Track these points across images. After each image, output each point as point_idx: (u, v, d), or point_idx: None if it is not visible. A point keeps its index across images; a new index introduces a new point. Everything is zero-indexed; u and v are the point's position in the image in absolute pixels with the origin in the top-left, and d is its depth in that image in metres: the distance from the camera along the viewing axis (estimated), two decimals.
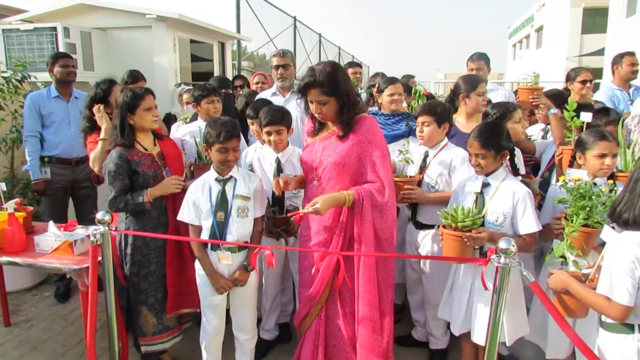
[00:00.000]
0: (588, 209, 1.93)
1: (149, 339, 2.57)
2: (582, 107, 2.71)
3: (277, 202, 2.71)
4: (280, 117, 2.67)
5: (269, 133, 2.70)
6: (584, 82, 3.77)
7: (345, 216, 2.20)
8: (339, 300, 2.28)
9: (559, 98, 3.63)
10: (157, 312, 2.55)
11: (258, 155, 2.87)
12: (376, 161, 2.17)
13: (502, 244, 1.77)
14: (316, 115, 2.21)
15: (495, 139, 2.24)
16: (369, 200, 2.14)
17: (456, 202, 2.34)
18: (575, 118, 2.47)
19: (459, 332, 2.35)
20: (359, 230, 2.16)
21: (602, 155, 2.20)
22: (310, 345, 2.31)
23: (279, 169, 2.73)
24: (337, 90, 2.13)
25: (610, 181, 2.09)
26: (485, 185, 2.28)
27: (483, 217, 2.21)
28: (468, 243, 2.09)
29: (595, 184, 2.07)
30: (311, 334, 2.32)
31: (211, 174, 2.38)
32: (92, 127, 2.96)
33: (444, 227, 2.17)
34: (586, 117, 2.49)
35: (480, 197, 2.27)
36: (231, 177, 2.37)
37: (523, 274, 1.77)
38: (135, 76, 4.02)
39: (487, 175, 2.29)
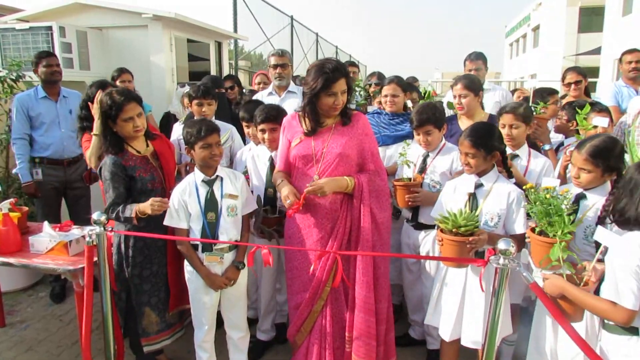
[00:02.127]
0: (541, 216, 1.88)
1: (152, 338, 2.56)
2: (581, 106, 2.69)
3: (269, 202, 2.69)
4: (275, 115, 2.66)
5: (263, 131, 2.69)
6: (568, 84, 3.76)
7: (346, 208, 2.28)
8: (343, 296, 2.29)
9: (544, 95, 3.63)
10: (160, 311, 2.55)
11: (252, 154, 2.85)
12: (374, 151, 2.37)
13: (501, 245, 1.76)
14: (336, 107, 2.23)
15: (485, 138, 2.22)
16: (367, 186, 2.26)
17: (446, 203, 2.33)
18: (586, 122, 2.43)
19: (450, 337, 2.32)
20: (358, 214, 2.25)
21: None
22: (316, 348, 2.31)
23: (273, 168, 2.71)
24: (350, 80, 2.28)
25: (566, 189, 2.02)
26: (478, 185, 2.27)
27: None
28: (470, 247, 2.06)
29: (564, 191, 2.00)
30: (317, 334, 2.31)
31: (197, 176, 2.36)
32: (86, 126, 2.94)
33: (442, 231, 2.13)
34: (601, 121, 2.41)
35: (472, 198, 2.26)
36: (217, 176, 2.36)
37: (523, 275, 1.76)
38: (120, 69, 4.02)
39: (479, 175, 2.28)
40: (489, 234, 2.12)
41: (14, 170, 3.62)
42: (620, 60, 4.18)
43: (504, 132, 2.55)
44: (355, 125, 2.31)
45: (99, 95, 2.58)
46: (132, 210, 2.28)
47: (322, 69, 2.18)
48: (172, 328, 2.63)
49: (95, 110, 2.74)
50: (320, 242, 2.28)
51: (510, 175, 2.36)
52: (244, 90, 4.71)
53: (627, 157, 2.35)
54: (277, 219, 2.64)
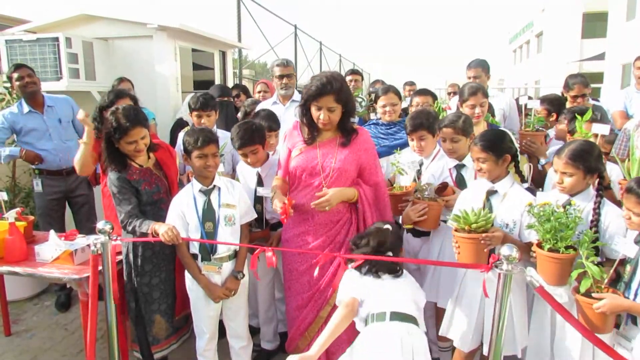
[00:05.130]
0: (552, 232, 1.87)
1: (162, 345, 2.58)
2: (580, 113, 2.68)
3: (257, 215, 2.67)
4: (251, 137, 2.60)
5: (244, 155, 2.65)
6: (575, 97, 3.68)
7: (346, 220, 2.35)
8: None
9: (555, 103, 3.61)
10: (168, 317, 2.58)
11: (240, 169, 2.86)
12: (372, 165, 2.40)
13: (504, 250, 1.75)
14: (322, 122, 2.25)
15: (495, 143, 2.22)
16: (369, 197, 2.34)
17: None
18: (584, 129, 2.41)
19: (469, 347, 2.27)
20: (356, 226, 2.33)
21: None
22: None
23: (260, 183, 2.73)
24: (345, 98, 2.25)
25: (573, 201, 2.04)
26: (492, 192, 2.26)
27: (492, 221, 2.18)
28: (484, 243, 2.03)
29: (573, 203, 2.00)
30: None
31: (194, 185, 2.37)
32: (98, 131, 2.99)
33: (456, 230, 2.13)
34: (601, 129, 2.41)
35: (487, 204, 2.24)
36: (215, 186, 2.37)
37: (528, 280, 1.76)
38: (120, 78, 4.09)
39: (493, 182, 2.26)
40: (505, 235, 2.10)
41: (3, 156, 3.46)
42: (633, 64, 4.14)
43: (445, 146, 2.58)
44: (356, 141, 2.33)
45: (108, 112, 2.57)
46: (149, 227, 2.29)
47: (312, 81, 2.23)
48: (179, 332, 2.67)
49: (82, 120, 2.76)
50: (319, 248, 2.30)
51: (523, 179, 2.35)
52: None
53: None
54: (261, 232, 2.66)
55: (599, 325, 1.77)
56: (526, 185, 2.35)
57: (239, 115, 4.06)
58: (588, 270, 1.77)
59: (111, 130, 2.35)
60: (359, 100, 4.39)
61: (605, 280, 1.79)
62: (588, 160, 2.03)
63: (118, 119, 2.34)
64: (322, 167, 2.29)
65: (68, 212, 3.84)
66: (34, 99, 3.55)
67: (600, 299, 1.75)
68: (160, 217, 2.42)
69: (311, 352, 1.82)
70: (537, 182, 2.85)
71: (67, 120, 3.68)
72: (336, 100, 2.22)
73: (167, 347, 2.61)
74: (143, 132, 2.41)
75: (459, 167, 2.60)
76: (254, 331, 2.93)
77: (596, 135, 2.39)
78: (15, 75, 3.46)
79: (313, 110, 2.26)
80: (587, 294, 1.79)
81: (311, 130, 2.34)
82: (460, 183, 2.58)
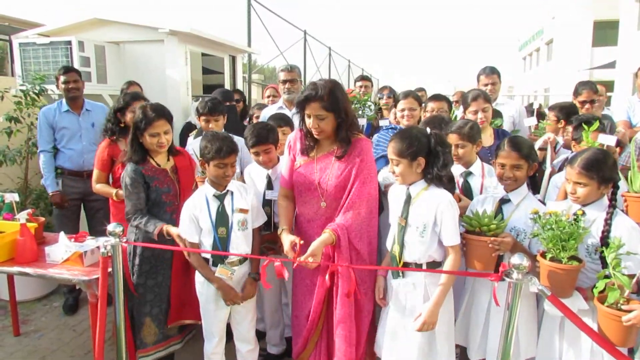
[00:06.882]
0: (555, 241, 1.84)
1: (148, 350, 2.57)
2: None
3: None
4: (266, 136, 2.62)
5: (257, 154, 2.65)
6: (583, 102, 3.67)
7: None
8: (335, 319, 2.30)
9: (564, 111, 3.59)
10: (159, 322, 2.57)
11: (249, 170, 2.85)
12: (372, 176, 2.27)
13: (514, 260, 1.74)
14: (313, 130, 2.23)
15: (530, 150, 2.25)
16: (346, 236, 2.20)
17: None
18: (592, 140, 2.38)
19: (476, 357, 2.26)
20: (338, 263, 2.22)
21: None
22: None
23: (270, 186, 2.72)
24: (336, 107, 2.18)
25: (579, 212, 1.99)
26: (506, 201, 2.24)
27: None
28: (492, 247, 2.01)
29: (579, 214, 1.95)
30: (319, 350, 2.35)
31: (207, 190, 2.37)
32: (110, 129, 3.05)
33: (466, 232, 2.11)
34: (607, 140, 2.35)
35: (499, 212, 2.22)
36: (228, 191, 2.38)
37: (539, 289, 1.74)
38: (129, 82, 4.18)
39: (507, 191, 2.25)
40: (515, 242, 2.08)
41: (42, 181, 3.71)
42: (636, 75, 4.15)
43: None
44: (353, 153, 2.25)
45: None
46: (155, 227, 2.36)
47: (304, 88, 2.21)
48: (168, 340, 2.63)
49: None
50: (326, 258, 2.27)
51: (536, 190, 2.35)
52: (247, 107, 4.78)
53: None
54: (270, 235, 2.65)
55: (624, 338, 1.72)
56: (538, 196, 2.33)
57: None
58: (616, 281, 1.72)
59: (137, 121, 2.44)
60: (368, 104, 4.41)
61: (626, 292, 1.74)
62: (602, 170, 1.96)
63: (145, 111, 2.44)
64: (319, 184, 2.27)
65: (83, 218, 3.87)
66: (76, 101, 3.73)
67: (629, 311, 1.68)
68: (164, 220, 2.44)
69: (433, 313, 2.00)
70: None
71: (99, 126, 3.77)
72: (324, 108, 2.15)
73: (152, 354, 2.58)
74: (167, 126, 2.49)
75: (466, 175, 2.59)
76: (260, 335, 2.94)
77: (602, 146, 2.37)
78: (62, 78, 3.64)
79: (306, 118, 2.23)
80: (613, 305, 1.73)
81: (308, 139, 2.31)
82: (467, 191, 2.56)
